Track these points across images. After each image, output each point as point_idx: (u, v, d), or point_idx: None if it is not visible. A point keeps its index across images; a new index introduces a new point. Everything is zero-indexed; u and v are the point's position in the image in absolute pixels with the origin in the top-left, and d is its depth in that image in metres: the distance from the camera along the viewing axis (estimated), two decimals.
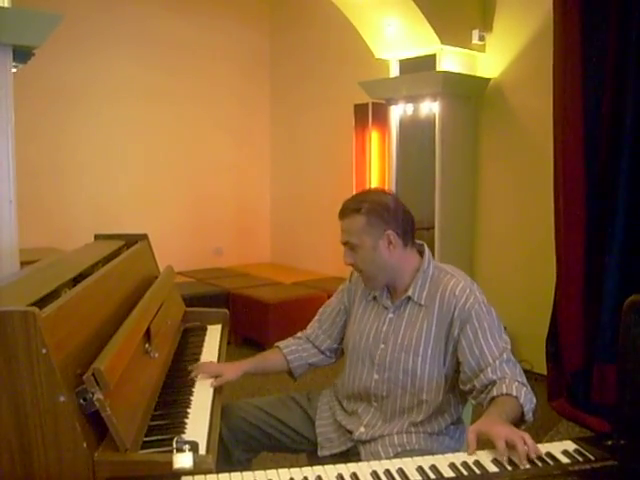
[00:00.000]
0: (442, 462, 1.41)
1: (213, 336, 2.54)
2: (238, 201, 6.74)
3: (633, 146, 3.15)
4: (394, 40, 4.77)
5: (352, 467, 1.41)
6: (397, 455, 1.77)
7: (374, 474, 1.37)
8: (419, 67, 4.75)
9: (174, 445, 1.37)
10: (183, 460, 1.35)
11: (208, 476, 1.35)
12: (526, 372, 1.79)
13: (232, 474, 1.37)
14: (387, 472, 1.38)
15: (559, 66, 3.43)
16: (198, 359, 2.24)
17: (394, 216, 1.86)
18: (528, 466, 1.37)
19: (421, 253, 1.96)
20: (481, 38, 4.58)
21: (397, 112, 5.04)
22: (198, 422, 1.69)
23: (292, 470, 1.38)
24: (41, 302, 1.51)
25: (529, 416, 1.66)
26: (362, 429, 1.92)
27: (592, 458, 1.41)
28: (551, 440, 1.58)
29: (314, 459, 2.02)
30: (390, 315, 1.94)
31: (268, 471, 1.38)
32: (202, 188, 6.44)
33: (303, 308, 4.96)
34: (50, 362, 1.31)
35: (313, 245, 6.28)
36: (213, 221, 6.55)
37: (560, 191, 3.45)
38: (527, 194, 4.42)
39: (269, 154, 6.96)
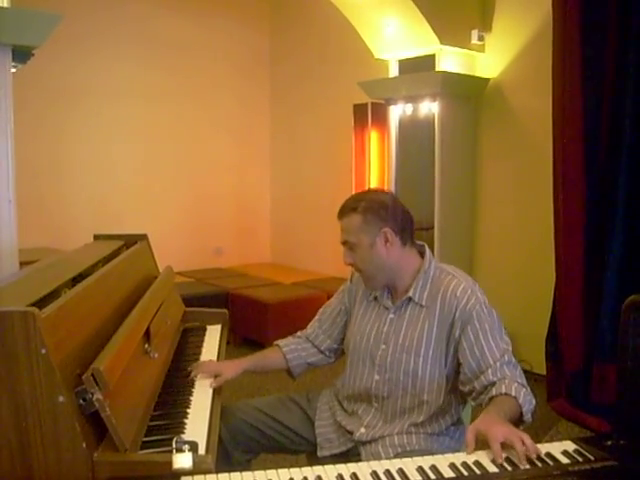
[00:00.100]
0: (442, 462, 1.41)
1: (213, 336, 2.54)
2: (238, 201, 6.74)
3: (633, 146, 3.15)
4: (393, 40, 4.77)
5: (352, 467, 1.40)
6: (397, 455, 1.76)
7: (374, 474, 1.37)
8: (418, 67, 4.75)
9: (173, 445, 1.38)
10: (182, 460, 1.35)
11: (207, 476, 1.35)
12: (525, 372, 1.79)
13: (232, 474, 1.37)
14: (387, 472, 1.38)
15: (558, 66, 3.43)
16: (198, 359, 2.24)
17: (391, 214, 1.87)
18: (528, 466, 1.37)
19: (422, 254, 1.96)
20: (480, 38, 4.58)
21: (396, 112, 5.04)
22: (198, 422, 1.69)
23: (292, 470, 1.38)
24: (41, 302, 1.51)
25: (528, 417, 1.66)
26: (363, 430, 1.92)
27: (592, 458, 1.41)
28: (551, 440, 1.58)
29: (314, 460, 2.01)
30: (391, 316, 1.94)
31: (268, 471, 1.38)
32: (202, 188, 6.44)
33: (303, 308, 4.96)
34: (49, 362, 1.31)
35: (313, 245, 6.28)
36: (213, 221, 6.55)
37: (560, 191, 3.45)
38: (527, 194, 4.42)
39: (269, 154, 6.96)
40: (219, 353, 2.36)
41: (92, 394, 1.36)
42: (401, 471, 1.38)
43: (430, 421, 1.86)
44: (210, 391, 1.93)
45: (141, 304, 1.98)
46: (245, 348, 5.07)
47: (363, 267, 1.92)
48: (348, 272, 2.11)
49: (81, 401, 1.36)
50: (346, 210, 1.89)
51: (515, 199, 4.53)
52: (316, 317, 2.22)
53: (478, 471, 1.37)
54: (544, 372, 3.67)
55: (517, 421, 1.64)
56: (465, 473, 1.37)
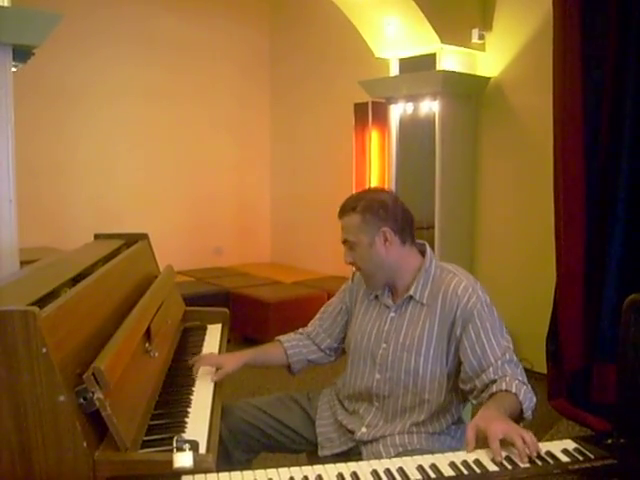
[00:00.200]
0: (442, 461, 1.41)
1: (213, 335, 2.54)
2: (238, 200, 6.74)
3: (633, 146, 3.14)
4: (394, 39, 4.77)
5: (352, 466, 1.41)
6: (398, 455, 1.76)
7: (374, 473, 1.37)
8: (419, 66, 4.75)
9: (174, 444, 1.37)
10: (183, 459, 1.35)
11: (208, 475, 1.35)
12: (526, 371, 1.79)
13: (232, 473, 1.37)
14: (387, 471, 1.38)
15: (559, 65, 3.42)
16: None
17: (391, 214, 1.87)
18: (528, 465, 1.37)
19: (423, 253, 1.96)
20: (481, 37, 4.58)
21: (397, 111, 5.04)
22: (198, 421, 1.69)
23: (292, 469, 1.38)
24: (41, 302, 1.51)
25: (528, 414, 1.66)
26: (364, 429, 1.91)
27: (592, 457, 1.41)
28: (551, 439, 1.58)
29: (314, 459, 2.02)
30: (392, 314, 1.94)
31: (268, 470, 1.38)
32: (202, 187, 6.44)
33: (303, 307, 4.96)
34: (50, 361, 1.31)
35: (313, 244, 6.28)
36: (213, 220, 6.55)
37: (560, 190, 3.45)
38: (527, 193, 4.42)
39: (269, 153, 6.96)
40: (220, 352, 2.36)
41: (93, 393, 1.36)
42: (401, 470, 1.38)
43: (431, 420, 1.86)
44: (211, 390, 1.93)
45: (141, 303, 1.98)
46: (245, 347, 5.01)
47: (363, 266, 1.93)
48: (348, 271, 2.11)
49: (82, 400, 1.36)
50: (346, 209, 1.90)
51: (516, 198, 4.53)
52: (317, 316, 2.22)
53: (478, 470, 1.37)
54: (544, 371, 3.67)
55: (517, 418, 1.64)
56: (465, 472, 1.37)
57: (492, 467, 1.38)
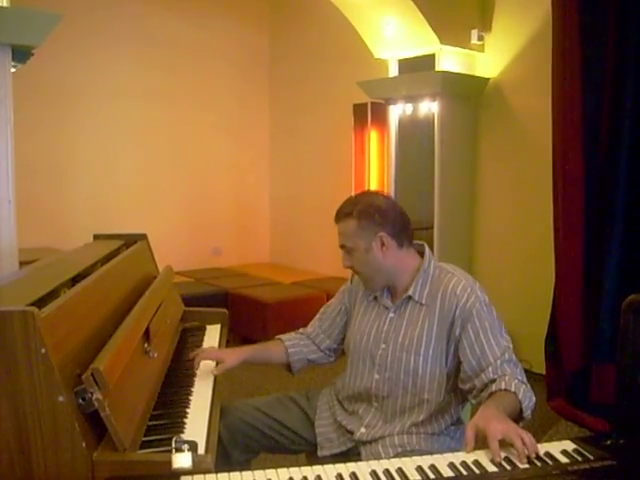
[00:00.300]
0: (441, 462, 1.41)
1: (212, 336, 2.54)
2: (237, 201, 6.74)
3: (632, 146, 3.15)
4: (393, 40, 4.77)
5: (351, 467, 1.40)
6: (397, 455, 1.76)
7: (373, 474, 1.37)
8: (418, 67, 4.75)
9: (173, 445, 1.37)
10: (182, 460, 1.35)
11: (207, 476, 1.35)
12: (525, 372, 1.79)
13: (231, 474, 1.37)
14: (386, 472, 1.38)
15: (558, 66, 3.43)
16: None
17: (386, 218, 1.87)
18: (527, 466, 1.37)
19: (421, 253, 1.96)
20: (480, 38, 4.58)
21: (396, 112, 5.04)
22: (197, 422, 1.69)
23: (291, 470, 1.38)
24: (40, 302, 1.51)
25: (527, 413, 1.66)
26: (363, 430, 1.92)
27: (591, 458, 1.41)
28: (550, 440, 1.58)
29: (313, 459, 2.02)
30: (391, 315, 1.94)
31: (267, 471, 1.38)
32: (201, 188, 6.44)
33: (302, 308, 4.96)
34: (49, 362, 1.31)
35: (312, 245, 6.28)
36: (212, 221, 6.55)
37: (559, 191, 3.45)
38: (526, 194, 4.42)
39: (268, 154, 6.96)
40: None
41: (91, 394, 1.36)
42: (400, 470, 1.38)
43: (430, 421, 1.86)
44: (210, 391, 1.93)
45: (140, 304, 1.98)
46: (246, 345, 5.07)
47: (361, 270, 1.93)
48: (347, 272, 2.11)
49: (80, 401, 1.36)
50: (342, 214, 1.90)
51: (515, 199, 4.53)
52: (317, 316, 2.22)
53: (477, 470, 1.37)
54: (543, 372, 3.67)
55: (517, 417, 1.64)
56: (464, 472, 1.37)
57: (491, 468, 1.38)
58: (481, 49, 4.65)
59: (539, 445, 1.43)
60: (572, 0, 3.32)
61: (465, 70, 4.65)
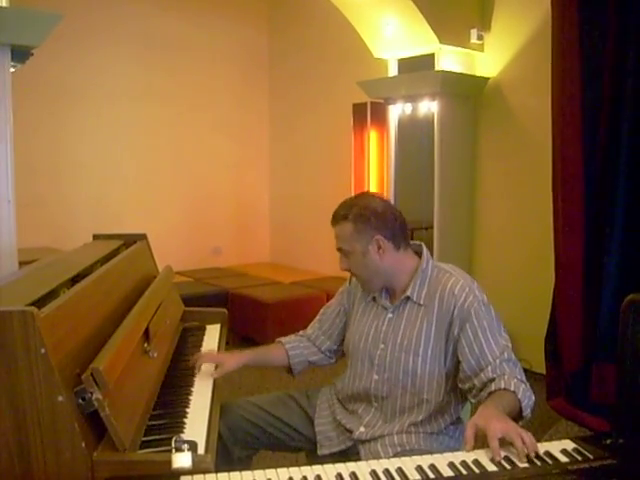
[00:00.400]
0: (441, 461, 1.41)
1: (212, 336, 2.54)
2: (237, 201, 6.74)
3: (632, 146, 3.14)
4: (393, 39, 4.77)
5: (351, 466, 1.40)
6: (396, 455, 1.76)
7: (373, 473, 1.37)
8: (418, 66, 4.75)
9: (173, 445, 1.37)
10: (182, 460, 1.35)
11: (207, 476, 1.35)
12: (525, 371, 1.79)
13: (231, 474, 1.37)
14: (386, 471, 1.38)
15: (558, 65, 3.42)
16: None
17: (383, 221, 1.87)
18: (527, 465, 1.37)
19: (419, 254, 1.96)
20: (479, 37, 4.58)
21: (396, 112, 5.04)
22: (197, 422, 1.69)
23: (291, 469, 1.38)
24: (40, 302, 1.51)
25: (527, 412, 1.66)
26: (362, 429, 1.92)
27: (591, 457, 1.41)
28: (550, 439, 1.58)
29: (313, 458, 2.02)
30: (389, 315, 1.94)
31: (267, 470, 1.37)
32: (201, 188, 6.43)
33: (302, 308, 4.97)
34: (49, 362, 1.31)
35: (312, 245, 6.28)
36: (212, 221, 6.55)
37: (559, 191, 3.45)
38: (526, 193, 4.42)
39: (268, 153, 6.96)
40: (219, 352, 2.36)
41: (91, 394, 1.36)
42: (400, 470, 1.38)
43: (430, 420, 1.87)
44: (209, 391, 1.93)
45: (140, 303, 1.98)
46: (244, 347, 5.04)
47: (358, 272, 1.94)
48: (347, 272, 2.12)
49: (80, 401, 1.36)
50: (338, 218, 1.90)
51: (514, 199, 4.53)
52: (316, 318, 2.23)
53: (477, 470, 1.37)
54: (543, 371, 3.67)
55: (516, 416, 1.64)
56: (464, 472, 1.37)
57: (491, 467, 1.38)
58: (480, 49, 4.65)
59: (539, 444, 1.44)
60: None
61: (465, 70, 4.65)
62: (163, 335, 2.16)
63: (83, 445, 1.34)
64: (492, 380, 1.71)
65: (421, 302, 1.88)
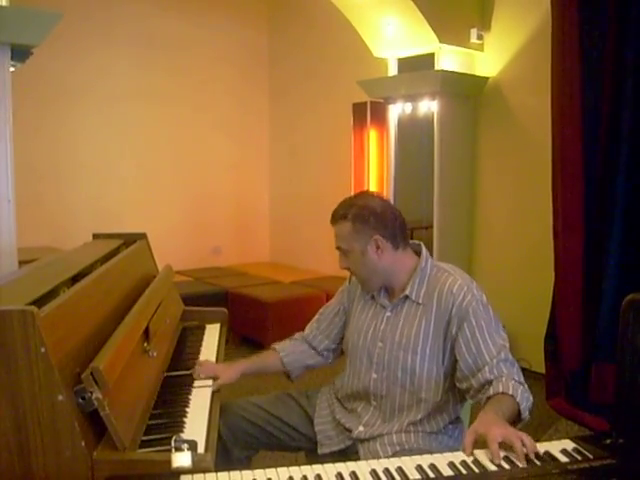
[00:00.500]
0: (441, 461, 1.41)
1: (212, 335, 2.54)
2: (237, 200, 6.74)
3: (632, 145, 3.14)
4: (393, 39, 4.77)
5: (351, 466, 1.41)
6: (396, 454, 1.77)
7: (373, 473, 1.37)
8: (417, 66, 4.75)
9: (172, 444, 1.37)
10: (182, 459, 1.35)
11: (207, 475, 1.35)
12: (524, 371, 1.79)
13: (231, 473, 1.37)
14: (386, 471, 1.38)
15: (557, 65, 3.42)
16: (197, 358, 2.24)
17: (381, 221, 1.87)
18: (527, 465, 1.37)
19: (418, 253, 1.97)
20: (479, 37, 4.58)
21: (395, 111, 5.04)
22: (197, 421, 1.69)
23: (291, 469, 1.38)
24: (39, 301, 1.51)
25: (525, 414, 1.67)
26: (361, 428, 1.92)
27: (591, 457, 1.41)
28: (550, 439, 1.58)
29: (312, 457, 2.02)
30: (388, 314, 1.94)
31: (267, 470, 1.37)
32: (201, 187, 6.43)
33: (302, 307, 4.96)
34: (49, 361, 1.31)
35: (312, 244, 6.28)
36: (212, 220, 6.55)
37: (558, 190, 3.45)
38: (525, 193, 4.42)
39: (268, 153, 6.96)
40: (218, 352, 2.37)
41: (91, 393, 1.36)
42: (400, 470, 1.38)
43: (428, 419, 1.87)
44: (209, 390, 1.93)
45: (140, 303, 1.98)
46: (244, 347, 5.08)
47: (357, 271, 1.95)
48: (347, 272, 2.12)
49: (80, 400, 1.36)
50: (337, 217, 1.91)
51: (514, 198, 4.53)
52: (314, 318, 2.24)
53: (477, 470, 1.37)
54: (543, 371, 3.67)
55: (515, 419, 1.64)
56: (464, 472, 1.37)
57: (491, 467, 1.38)
58: (480, 48, 4.65)
59: (538, 444, 1.44)
60: None
61: (464, 69, 4.65)
62: (163, 334, 2.16)
63: (83, 444, 1.34)
64: (490, 382, 1.71)
65: (420, 301, 1.89)
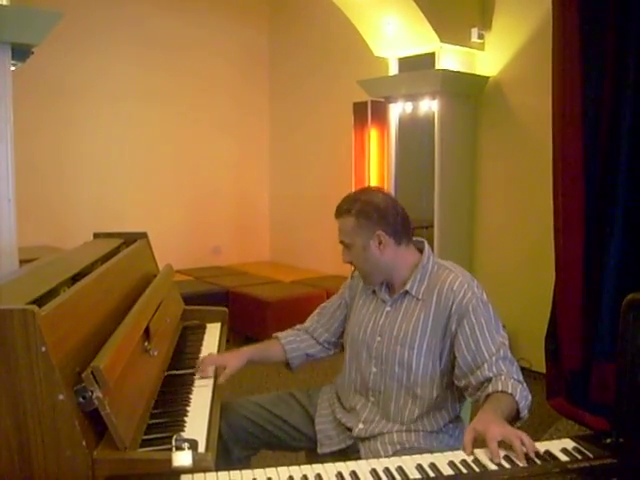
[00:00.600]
0: (441, 460, 1.41)
1: (212, 334, 2.54)
2: (237, 200, 6.74)
3: (632, 145, 3.14)
4: (393, 38, 4.77)
5: (352, 465, 1.41)
6: (396, 453, 1.77)
7: (373, 472, 1.37)
8: (418, 65, 4.75)
9: (173, 443, 1.38)
10: (182, 458, 1.35)
11: (207, 474, 1.35)
12: (525, 370, 1.80)
13: (231, 472, 1.37)
14: (386, 470, 1.38)
15: (558, 64, 3.42)
16: (197, 357, 2.23)
17: (385, 217, 1.88)
18: (527, 464, 1.37)
19: (421, 250, 1.98)
20: (480, 36, 4.57)
21: (396, 110, 5.04)
22: (197, 420, 1.69)
23: (291, 468, 1.38)
24: (40, 300, 1.51)
25: (524, 413, 1.67)
26: (361, 425, 1.92)
27: (591, 456, 1.41)
28: (550, 438, 1.58)
29: (313, 457, 2.02)
30: (387, 308, 1.96)
31: (267, 469, 1.37)
32: (201, 187, 6.44)
33: (302, 306, 4.95)
34: (49, 360, 1.31)
35: (312, 243, 6.28)
36: (212, 220, 6.55)
37: (559, 189, 3.45)
38: (526, 192, 4.42)
39: (268, 152, 6.96)
40: (219, 351, 2.36)
41: (92, 392, 1.36)
42: (400, 469, 1.38)
43: (427, 417, 1.87)
44: (210, 389, 1.93)
45: (140, 302, 1.98)
46: (244, 346, 5.07)
47: (359, 266, 1.97)
48: (347, 270, 2.14)
49: (81, 399, 1.36)
50: (341, 211, 1.92)
51: (515, 197, 4.53)
52: (315, 311, 2.26)
53: (477, 469, 1.37)
54: (543, 370, 3.67)
55: (514, 418, 1.65)
56: (464, 471, 1.37)
57: (491, 466, 1.38)
58: (481, 47, 4.65)
59: (539, 443, 1.44)
60: None
61: (465, 68, 4.65)
62: (163, 334, 2.16)
63: (84, 443, 1.34)
64: (489, 380, 1.72)
65: (419, 297, 1.89)
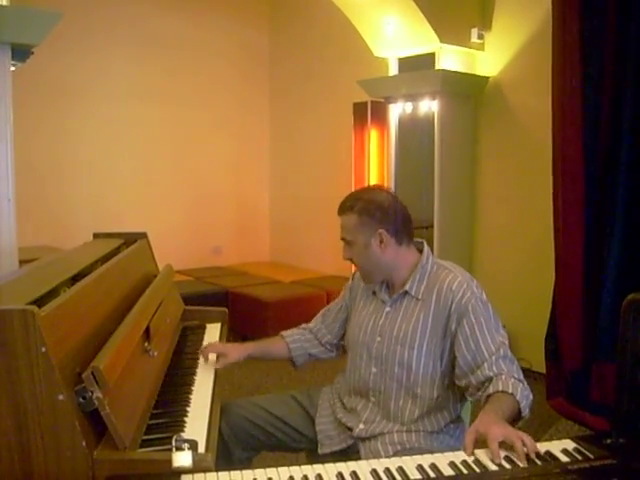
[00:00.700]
0: (442, 461, 1.41)
1: (212, 334, 2.54)
2: (237, 200, 6.74)
3: (632, 145, 3.14)
4: (393, 38, 4.77)
5: (352, 466, 1.40)
6: (397, 453, 1.77)
7: (374, 472, 1.37)
8: (418, 65, 4.75)
9: (173, 443, 1.37)
10: (182, 459, 1.35)
11: (208, 475, 1.35)
12: (525, 370, 1.79)
13: (232, 472, 1.37)
14: (387, 470, 1.38)
15: (558, 64, 3.42)
16: (197, 358, 2.23)
17: (387, 215, 1.89)
18: (528, 465, 1.37)
19: (421, 251, 1.98)
20: (480, 37, 4.58)
21: (396, 111, 5.04)
22: (197, 420, 1.69)
23: (292, 468, 1.38)
24: (40, 301, 1.51)
25: (525, 412, 1.67)
26: (361, 426, 1.92)
27: (591, 457, 1.41)
28: (550, 439, 1.58)
29: (313, 458, 2.02)
30: (387, 309, 1.96)
31: (268, 469, 1.37)
32: (202, 187, 6.44)
33: (302, 307, 4.97)
34: (49, 361, 1.31)
35: (312, 244, 6.28)
36: (212, 220, 6.55)
37: (559, 189, 3.45)
38: (526, 192, 4.42)
39: (268, 153, 6.96)
40: None
41: (92, 392, 1.36)
42: (401, 469, 1.38)
43: (428, 417, 1.87)
44: (210, 390, 1.93)
45: (141, 302, 1.98)
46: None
47: (360, 264, 1.97)
48: (348, 271, 2.15)
49: (81, 399, 1.36)
50: (344, 208, 1.93)
51: (514, 198, 4.53)
52: (320, 312, 2.27)
53: (478, 469, 1.37)
54: (543, 370, 3.67)
55: (515, 417, 1.65)
56: (465, 471, 1.37)
57: (492, 467, 1.38)
58: (481, 48, 4.65)
59: (539, 444, 1.44)
60: None
61: (465, 69, 4.65)
62: (163, 334, 2.16)
63: (83, 444, 1.34)
64: (489, 379, 1.72)
65: (419, 297, 1.90)
